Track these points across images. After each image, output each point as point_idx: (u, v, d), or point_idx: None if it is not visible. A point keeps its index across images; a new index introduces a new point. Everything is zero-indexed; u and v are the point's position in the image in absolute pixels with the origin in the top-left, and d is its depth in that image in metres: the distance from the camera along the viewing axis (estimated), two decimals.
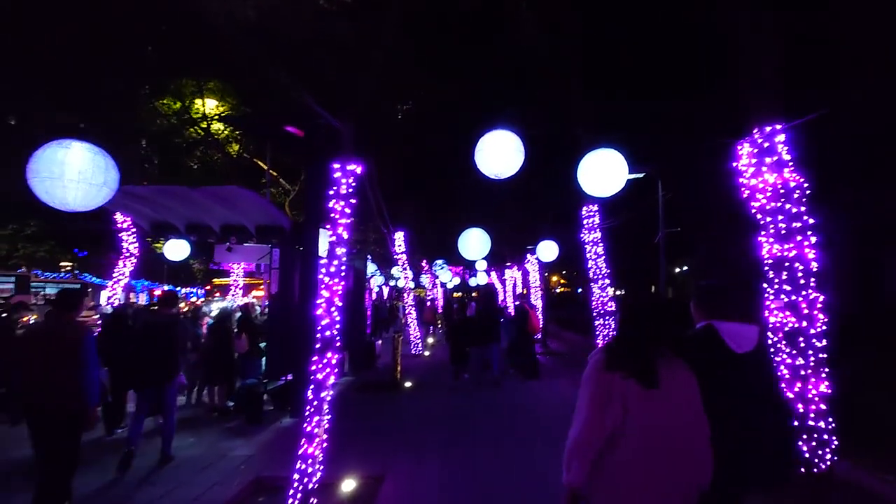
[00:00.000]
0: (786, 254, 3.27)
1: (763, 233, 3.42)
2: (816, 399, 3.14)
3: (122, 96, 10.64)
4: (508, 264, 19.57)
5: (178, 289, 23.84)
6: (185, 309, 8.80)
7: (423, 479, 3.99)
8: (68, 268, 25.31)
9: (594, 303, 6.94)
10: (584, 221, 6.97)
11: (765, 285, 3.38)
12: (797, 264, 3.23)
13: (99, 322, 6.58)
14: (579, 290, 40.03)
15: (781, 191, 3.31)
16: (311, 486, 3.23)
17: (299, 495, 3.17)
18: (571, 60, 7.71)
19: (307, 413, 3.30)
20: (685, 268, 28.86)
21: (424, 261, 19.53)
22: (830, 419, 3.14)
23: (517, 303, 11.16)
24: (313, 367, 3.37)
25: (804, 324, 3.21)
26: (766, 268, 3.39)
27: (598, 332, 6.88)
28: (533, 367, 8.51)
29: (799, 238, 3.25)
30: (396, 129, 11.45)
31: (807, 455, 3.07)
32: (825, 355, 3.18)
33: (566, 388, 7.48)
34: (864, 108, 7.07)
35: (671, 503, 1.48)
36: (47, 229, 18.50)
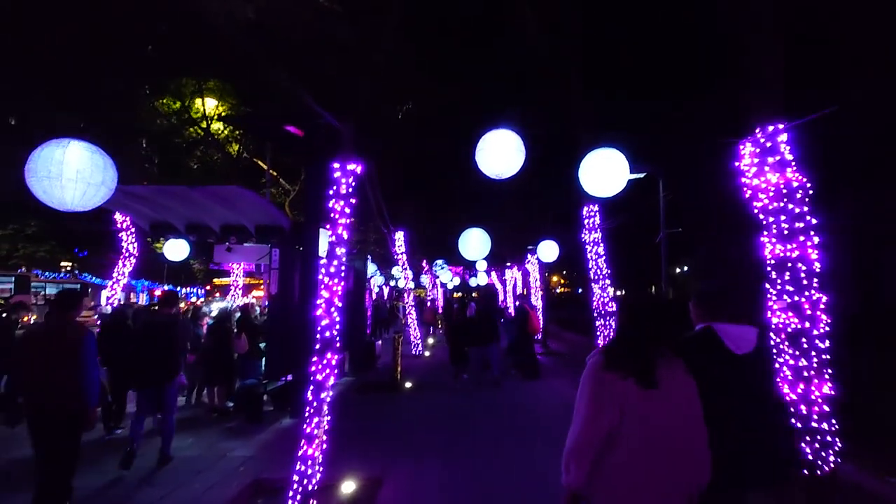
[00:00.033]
0: (788, 254, 3.24)
1: (765, 233, 3.40)
2: (819, 400, 3.11)
3: (122, 96, 10.64)
4: (509, 264, 19.56)
5: (179, 289, 23.85)
6: (185, 309, 8.78)
7: (423, 479, 3.97)
8: (68, 268, 25.32)
9: (595, 303, 6.92)
10: (585, 221, 6.96)
11: (767, 286, 3.36)
12: (800, 265, 3.21)
13: (98, 322, 6.56)
14: (579, 290, 40.03)
15: (784, 191, 3.29)
16: (310, 487, 3.22)
17: (298, 497, 3.15)
18: (572, 61, 7.70)
19: (307, 414, 3.29)
20: (685, 268, 28.84)
21: (424, 261, 19.52)
22: (833, 421, 3.12)
23: (517, 303, 11.14)
24: (313, 368, 3.35)
25: (807, 324, 3.19)
26: (769, 268, 3.37)
27: (598, 333, 6.87)
28: (533, 368, 8.50)
29: (802, 238, 3.23)
30: (397, 130, 11.45)
31: (810, 457, 3.05)
32: (828, 356, 3.16)
33: (566, 388, 7.46)
34: (864, 109, 7.05)
35: (671, 503, 1.48)
36: (47, 229, 18.51)
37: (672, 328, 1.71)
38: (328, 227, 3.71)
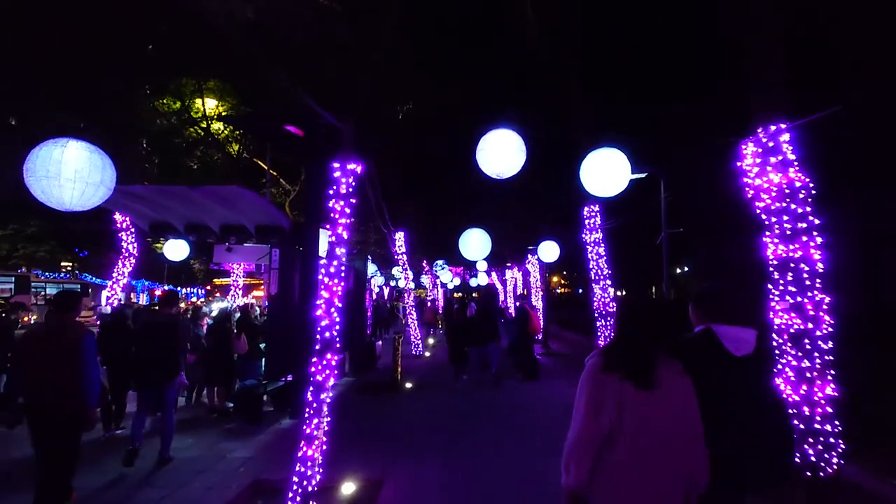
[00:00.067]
0: (791, 254, 3.23)
1: (768, 233, 3.38)
2: (822, 402, 3.10)
3: (122, 96, 10.63)
4: (509, 265, 19.55)
5: (179, 289, 23.84)
6: (184, 309, 8.76)
7: (424, 480, 3.96)
8: (69, 268, 25.32)
9: (595, 303, 6.91)
10: (586, 222, 6.94)
11: (770, 287, 3.34)
12: (803, 265, 3.19)
13: (98, 322, 6.55)
14: (580, 290, 40.02)
15: (787, 191, 3.28)
16: (310, 489, 3.20)
17: (298, 498, 3.14)
18: (572, 62, 7.68)
19: (307, 415, 3.27)
20: (686, 269, 28.81)
21: (425, 261, 19.51)
22: (837, 422, 3.10)
23: (518, 304, 11.12)
24: (313, 369, 3.33)
25: (810, 325, 3.17)
26: (772, 269, 3.35)
27: (599, 333, 6.86)
28: (533, 368, 8.49)
29: (804, 239, 3.21)
30: (397, 130, 11.44)
31: (813, 459, 3.03)
32: (831, 357, 3.14)
33: (566, 388, 7.44)
34: (864, 110, 7.05)
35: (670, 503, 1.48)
36: (48, 229, 18.51)
37: (672, 329, 1.72)
38: (328, 227, 3.70)
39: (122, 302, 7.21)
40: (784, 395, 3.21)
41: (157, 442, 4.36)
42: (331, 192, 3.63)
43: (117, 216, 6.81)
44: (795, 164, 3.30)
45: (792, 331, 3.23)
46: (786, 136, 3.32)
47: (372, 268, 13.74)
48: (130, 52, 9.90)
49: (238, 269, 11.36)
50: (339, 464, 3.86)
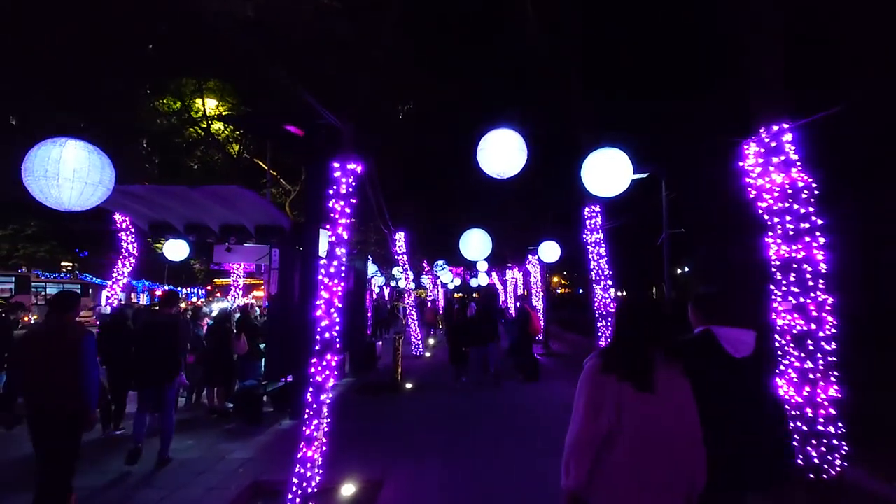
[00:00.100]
0: (794, 255, 3.20)
1: (770, 234, 3.36)
2: (826, 403, 3.07)
3: (122, 96, 10.61)
4: (509, 265, 19.53)
5: (179, 289, 23.84)
6: (185, 308, 8.74)
7: (424, 481, 3.95)
8: (69, 268, 25.33)
9: (596, 304, 6.89)
10: (587, 222, 6.92)
11: (772, 287, 3.32)
12: (805, 266, 3.17)
13: (97, 323, 6.53)
14: (580, 290, 40.01)
15: (789, 191, 3.25)
16: (309, 490, 3.19)
17: (298, 500, 3.12)
18: (572, 60, 7.66)
19: (306, 416, 3.26)
20: (686, 269, 28.76)
21: (425, 261, 19.49)
22: (840, 424, 3.07)
23: (518, 304, 11.09)
24: (313, 370, 3.32)
25: (813, 326, 3.14)
26: (774, 269, 3.32)
27: (600, 334, 6.83)
28: (533, 369, 8.48)
29: (807, 239, 3.18)
30: (397, 129, 11.41)
31: (816, 461, 3.01)
32: (834, 359, 3.12)
33: (567, 388, 7.42)
34: (864, 109, 7.02)
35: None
36: (48, 229, 18.49)
37: (671, 329, 1.72)
38: (328, 227, 3.68)
39: (123, 302, 7.20)
40: (786, 397, 3.19)
41: (156, 442, 4.35)
42: (331, 191, 3.62)
43: (117, 216, 6.80)
44: (798, 163, 3.27)
45: (795, 332, 3.20)
46: (788, 136, 3.29)
47: (372, 268, 13.73)
48: (130, 52, 9.88)
49: (238, 269, 11.34)
50: (339, 464, 3.85)
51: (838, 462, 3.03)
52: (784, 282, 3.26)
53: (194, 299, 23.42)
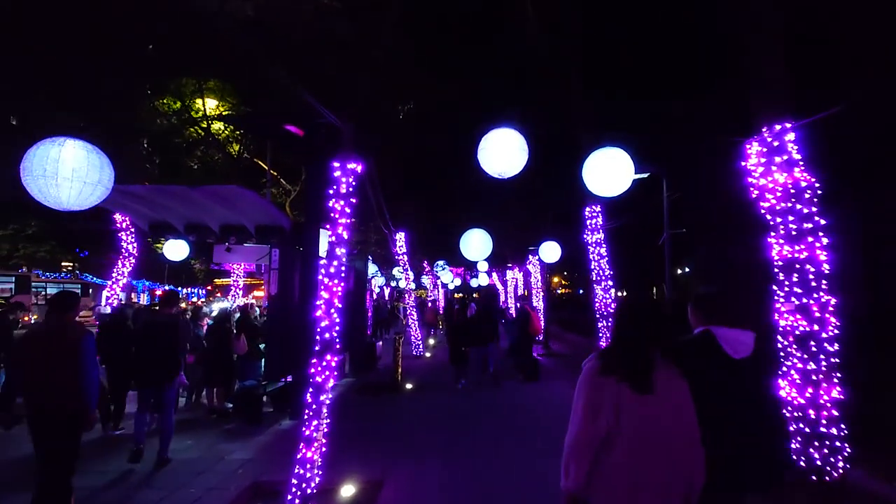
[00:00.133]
0: (797, 255, 3.18)
1: (773, 234, 3.34)
2: (828, 405, 3.05)
3: (122, 96, 10.61)
4: (510, 265, 19.52)
5: (180, 289, 23.83)
6: (184, 308, 8.73)
7: (424, 481, 3.94)
8: (69, 268, 25.33)
9: (597, 304, 6.87)
10: (588, 222, 6.91)
11: (775, 288, 3.30)
12: (808, 266, 3.15)
13: (97, 323, 6.52)
14: (580, 291, 39.99)
15: (792, 191, 3.23)
16: (309, 491, 3.17)
17: (297, 501, 3.11)
18: (572, 60, 7.65)
19: (306, 416, 3.24)
20: (687, 269, 28.73)
21: (425, 261, 19.47)
22: (843, 425, 3.05)
23: (518, 304, 11.08)
24: (312, 370, 3.30)
25: (816, 327, 3.12)
26: (777, 270, 3.30)
27: (601, 334, 6.82)
28: (533, 369, 8.47)
29: (810, 239, 3.17)
30: (397, 129, 11.40)
31: (819, 463, 2.99)
32: (837, 360, 3.10)
33: (567, 389, 7.41)
34: (864, 109, 7.00)
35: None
36: (48, 229, 18.48)
37: (671, 329, 1.72)
38: (328, 226, 3.67)
39: (123, 302, 7.19)
40: (788, 398, 3.17)
41: (156, 442, 4.34)
42: (331, 191, 3.61)
43: (117, 216, 6.79)
44: (801, 163, 3.25)
45: (797, 332, 3.18)
46: (791, 136, 3.27)
47: (372, 268, 13.71)
48: (130, 52, 9.88)
49: (238, 269, 11.33)
50: (339, 464, 3.84)
51: (841, 464, 3.01)
52: (787, 282, 3.24)
53: (195, 299, 23.41)
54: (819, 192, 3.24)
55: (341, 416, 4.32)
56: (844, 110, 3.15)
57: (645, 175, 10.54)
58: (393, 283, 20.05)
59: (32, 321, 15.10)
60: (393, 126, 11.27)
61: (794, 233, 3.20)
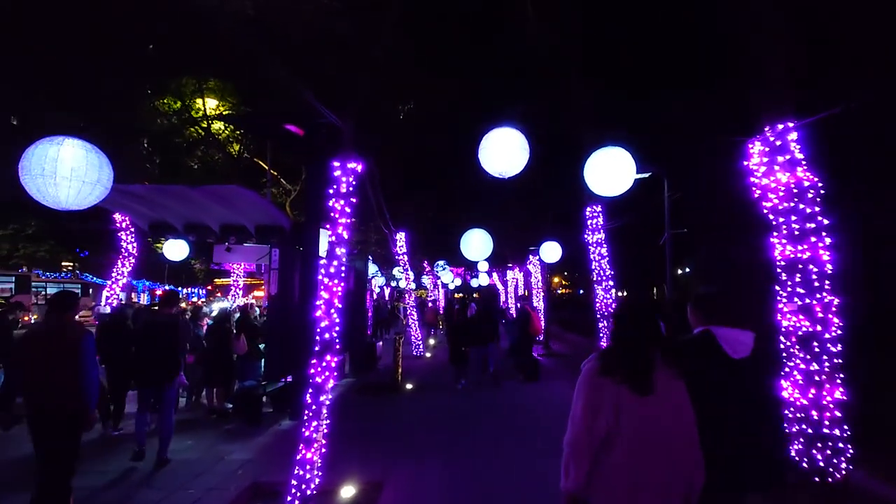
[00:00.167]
0: (799, 255, 3.16)
1: (775, 234, 3.32)
2: (831, 406, 3.03)
3: (122, 96, 10.61)
4: (510, 265, 19.50)
5: (180, 289, 23.82)
6: (184, 308, 8.72)
7: (424, 481, 3.93)
8: (69, 268, 25.32)
9: (598, 304, 6.86)
10: (588, 222, 6.89)
11: (777, 288, 3.28)
12: (811, 266, 3.13)
13: (96, 323, 6.50)
14: (581, 291, 39.97)
15: (795, 190, 3.21)
16: (309, 492, 3.16)
17: (297, 502, 3.09)
18: (573, 59, 7.64)
19: (306, 417, 3.23)
20: (687, 269, 28.70)
21: (426, 261, 19.46)
22: (846, 427, 3.03)
23: (519, 305, 11.07)
24: (312, 371, 3.29)
25: (818, 328, 3.10)
26: (779, 270, 3.29)
27: (601, 334, 6.80)
28: (534, 369, 8.45)
29: (813, 239, 3.15)
30: (397, 129, 11.39)
31: (821, 464, 2.97)
32: (840, 361, 3.08)
33: (567, 389, 7.39)
34: (864, 107, 6.98)
35: None
36: (48, 229, 18.48)
37: (670, 330, 1.71)
38: (328, 226, 3.66)
39: (122, 302, 7.17)
40: (791, 399, 3.15)
41: (156, 443, 4.33)
42: (331, 191, 3.59)
43: (117, 216, 6.78)
44: (803, 162, 3.23)
45: (800, 333, 3.16)
46: (793, 135, 3.25)
47: (373, 268, 13.69)
48: (130, 52, 9.88)
49: (238, 269, 11.32)
50: (339, 465, 3.82)
51: (844, 465, 2.99)
52: (789, 282, 3.23)
53: (195, 299, 23.39)
54: (822, 191, 3.22)
55: (341, 416, 4.31)
56: (845, 110, 3.14)
57: (646, 175, 10.51)
58: (393, 283, 20.03)
59: (32, 321, 15.10)
60: (393, 126, 11.26)
61: (796, 233, 3.19)
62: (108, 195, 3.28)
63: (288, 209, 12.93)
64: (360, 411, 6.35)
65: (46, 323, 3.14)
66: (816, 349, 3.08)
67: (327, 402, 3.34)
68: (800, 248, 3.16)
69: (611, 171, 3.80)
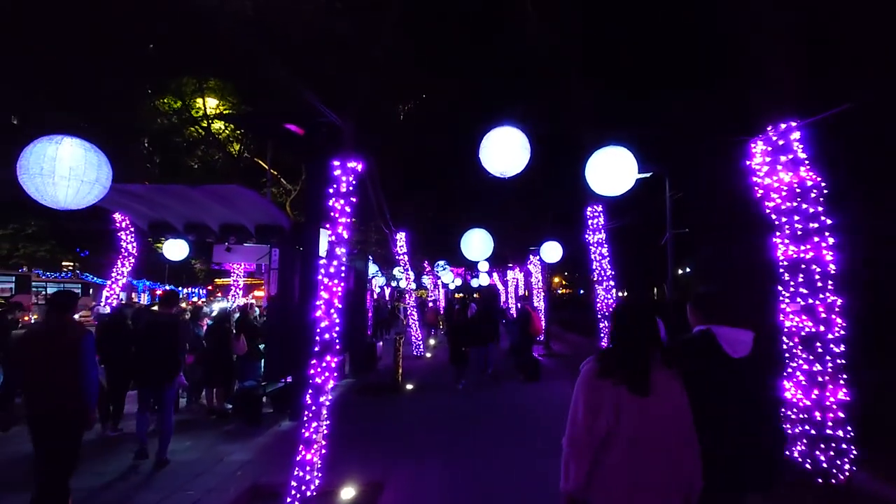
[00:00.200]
0: (802, 255, 3.14)
1: (778, 234, 3.30)
2: (834, 407, 3.02)
3: (122, 96, 10.61)
4: (511, 265, 19.49)
5: (180, 289, 23.80)
6: (184, 308, 8.70)
7: (424, 482, 3.92)
8: (69, 268, 25.30)
9: (598, 304, 6.84)
10: (589, 222, 6.87)
11: (780, 288, 3.26)
12: (814, 266, 3.11)
13: (95, 322, 6.49)
14: (581, 291, 39.96)
15: (797, 190, 3.20)
16: (309, 493, 3.15)
17: (297, 503, 3.08)
18: (573, 58, 7.63)
19: (306, 418, 3.21)
20: (688, 269, 28.67)
21: (426, 261, 19.45)
22: (849, 428, 3.02)
23: (519, 305, 11.05)
24: (312, 371, 3.28)
25: (821, 328, 3.09)
26: (782, 270, 3.27)
27: (602, 335, 6.78)
28: (534, 369, 8.44)
29: (816, 239, 3.13)
30: (397, 129, 11.39)
31: (824, 465, 2.95)
32: (843, 361, 3.06)
33: (567, 389, 7.35)
34: (864, 108, 6.96)
35: None
36: (47, 229, 18.47)
37: (670, 330, 1.71)
38: (328, 226, 3.64)
39: (123, 302, 7.16)
40: (794, 400, 3.14)
41: (155, 443, 4.31)
42: (331, 190, 3.58)
43: (116, 216, 6.77)
44: (806, 162, 3.21)
45: (803, 334, 3.15)
46: (796, 135, 3.24)
47: (373, 268, 13.68)
48: (130, 52, 9.88)
49: (238, 269, 11.31)
50: (339, 466, 3.81)
51: (847, 466, 2.97)
52: (792, 283, 3.21)
53: (195, 299, 23.38)
54: (825, 191, 3.20)
55: (341, 417, 4.30)
56: (847, 110, 3.12)
57: (647, 175, 10.50)
58: (393, 283, 20.02)
59: (32, 321, 15.09)
60: (393, 126, 11.25)
61: (799, 232, 3.17)
62: (107, 194, 3.27)
63: (288, 209, 12.92)
64: (361, 412, 6.33)
65: (46, 323, 3.13)
66: (819, 350, 3.07)
67: (327, 403, 3.33)
68: (803, 248, 3.15)
69: (612, 170, 3.78)
